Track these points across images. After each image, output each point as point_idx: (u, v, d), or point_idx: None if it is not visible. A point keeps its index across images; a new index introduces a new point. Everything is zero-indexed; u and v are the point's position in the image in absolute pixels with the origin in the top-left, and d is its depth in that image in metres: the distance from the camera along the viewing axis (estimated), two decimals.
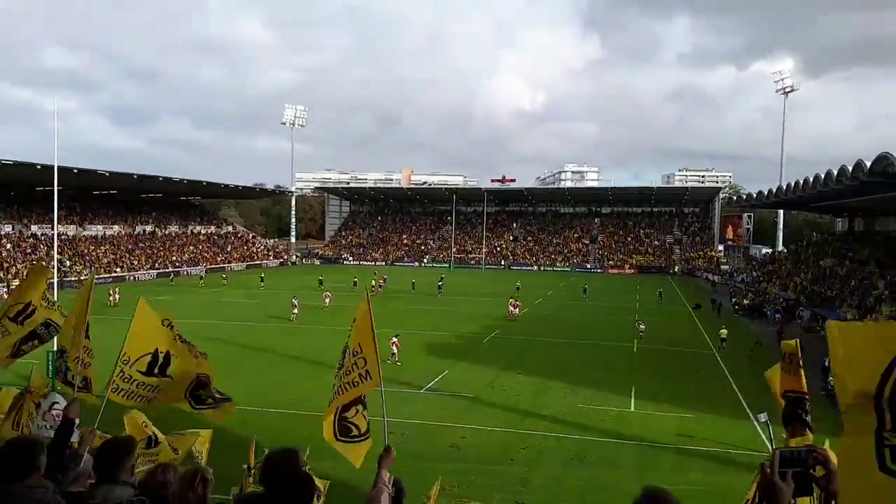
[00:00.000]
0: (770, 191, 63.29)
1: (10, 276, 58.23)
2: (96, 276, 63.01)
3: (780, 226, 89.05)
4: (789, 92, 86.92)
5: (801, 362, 5.22)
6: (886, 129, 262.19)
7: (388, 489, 3.66)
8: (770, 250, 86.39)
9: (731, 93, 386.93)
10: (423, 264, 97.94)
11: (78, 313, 5.90)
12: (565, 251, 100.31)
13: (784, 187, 58.50)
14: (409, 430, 19.94)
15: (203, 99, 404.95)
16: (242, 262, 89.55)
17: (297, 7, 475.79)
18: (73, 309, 6.18)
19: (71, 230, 72.89)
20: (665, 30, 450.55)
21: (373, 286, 59.58)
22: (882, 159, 33.65)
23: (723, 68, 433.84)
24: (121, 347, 5.50)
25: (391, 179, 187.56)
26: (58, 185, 36.08)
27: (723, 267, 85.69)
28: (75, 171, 58.85)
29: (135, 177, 71.42)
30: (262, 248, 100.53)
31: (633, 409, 23.51)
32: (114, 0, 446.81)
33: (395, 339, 29.81)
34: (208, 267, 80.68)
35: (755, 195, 70.27)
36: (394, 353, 28.97)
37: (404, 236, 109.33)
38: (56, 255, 35.66)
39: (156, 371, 5.66)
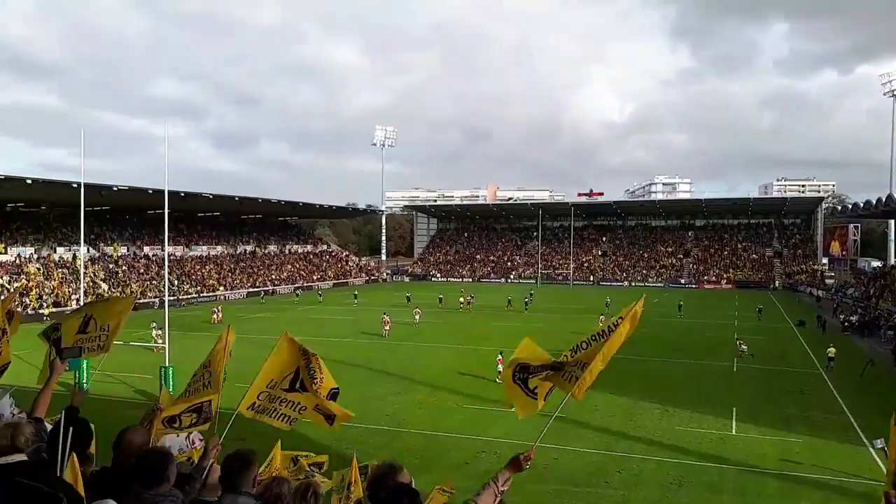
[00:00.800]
0: (879, 199, 59.51)
1: (125, 295, 62.54)
2: (199, 295, 66.86)
3: (892, 237, 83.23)
4: None
5: None
6: None
7: (496, 489, 3.80)
8: (881, 263, 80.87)
9: (833, 97, 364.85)
10: (509, 280, 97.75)
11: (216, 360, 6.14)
12: (657, 266, 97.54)
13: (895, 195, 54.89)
14: (501, 450, 19.96)
15: (299, 122, 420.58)
16: (335, 280, 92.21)
17: (387, 29, 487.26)
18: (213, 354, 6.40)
19: (178, 251, 77.42)
20: (760, 36, 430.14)
21: (461, 303, 60.25)
22: None
23: (823, 72, 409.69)
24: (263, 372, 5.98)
25: (477, 196, 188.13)
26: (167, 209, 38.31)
27: (828, 281, 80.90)
28: (182, 194, 62.44)
29: (236, 199, 75.19)
30: (354, 266, 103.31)
31: (734, 431, 22.60)
32: (221, 32, 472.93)
33: (500, 358, 29.20)
34: (304, 284, 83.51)
35: (862, 204, 66.28)
36: (500, 372, 28.81)
37: (490, 253, 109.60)
38: (167, 276, 38.06)
39: (297, 387, 6.09)
